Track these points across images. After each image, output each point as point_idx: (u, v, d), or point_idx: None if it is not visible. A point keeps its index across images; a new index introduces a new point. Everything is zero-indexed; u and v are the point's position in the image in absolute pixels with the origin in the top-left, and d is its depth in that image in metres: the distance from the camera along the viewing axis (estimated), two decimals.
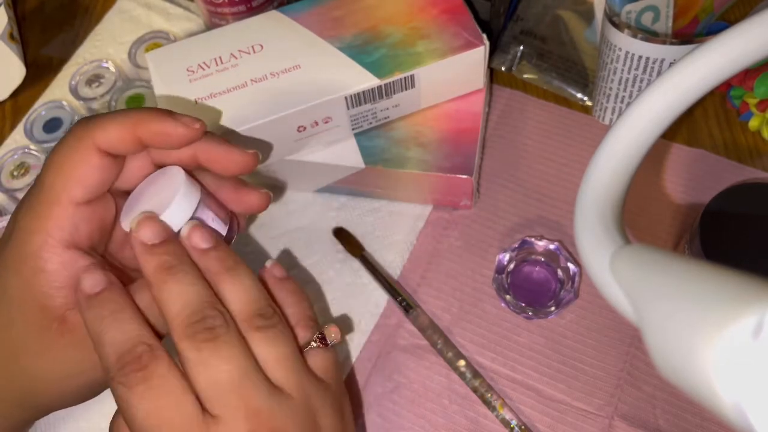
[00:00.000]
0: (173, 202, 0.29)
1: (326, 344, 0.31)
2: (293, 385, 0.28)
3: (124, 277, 0.31)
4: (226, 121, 0.38)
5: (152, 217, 0.29)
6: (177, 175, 0.30)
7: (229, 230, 0.33)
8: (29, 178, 0.45)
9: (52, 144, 0.46)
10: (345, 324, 0.41)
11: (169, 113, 0.30)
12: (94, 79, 0.48)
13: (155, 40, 0.50)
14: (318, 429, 0.29)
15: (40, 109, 0.48)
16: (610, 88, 0.43)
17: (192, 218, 0.30)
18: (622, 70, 0.41)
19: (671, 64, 0.29)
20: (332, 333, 0.32)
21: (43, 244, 0.29)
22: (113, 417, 0.29)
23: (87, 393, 0.32)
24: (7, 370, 0.30)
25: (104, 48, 0.53)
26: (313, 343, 0.31)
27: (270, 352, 0.28)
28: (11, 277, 0.30)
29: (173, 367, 0.27)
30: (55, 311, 0.29)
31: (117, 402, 0.27)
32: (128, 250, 0.33)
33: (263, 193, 0.33)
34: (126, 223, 0.30)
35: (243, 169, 0.31)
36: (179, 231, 0.30)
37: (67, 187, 0.29)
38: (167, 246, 0.29)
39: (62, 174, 0.29)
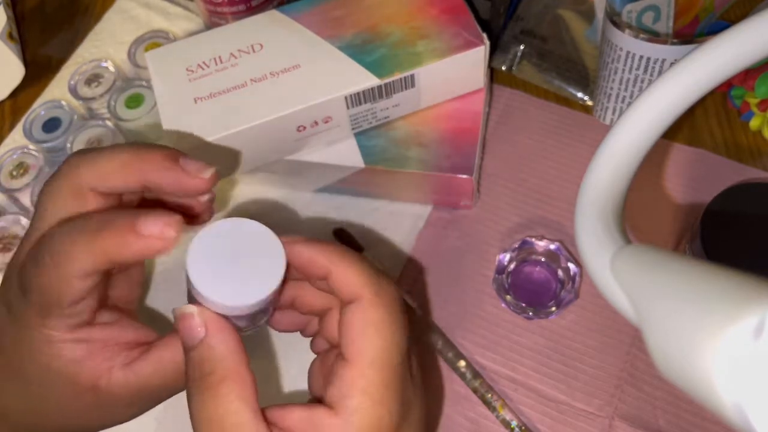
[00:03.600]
0: (265, 286, 0.26)
1: None
2: None
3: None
4: (226, 121, 0.38)
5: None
6: (273, 246, 0.27)
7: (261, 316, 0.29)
8: (28, 178, 0.45)
9: (51, 144, 0.46)
10: None
11: (174, 159, 0.28)
12: (93, 79, 0.48)
13: (155, 39, 0.50)
14: None
15: (39, 108, 0.48)
16: (611, 88, 0.43)
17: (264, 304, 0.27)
18: (623, 70, 0.41)
19: (672, 64, 0.29)
20: None
21: (48, 336, 0.28)
22: None
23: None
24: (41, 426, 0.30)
25: (104, 47, 0.53)
26: None
27: None
28: (28, 365, 0.28)
29: None
30: (85, 383, 0.28)
31: None
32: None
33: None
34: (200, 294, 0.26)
35: (195, 194, 0.29)
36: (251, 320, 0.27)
37: (71, 259, 0.26)
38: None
39: (66, 244, 0.27)
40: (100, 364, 0.29)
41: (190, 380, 0.27)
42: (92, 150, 0.29)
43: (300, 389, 0.40)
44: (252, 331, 0.29)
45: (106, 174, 0.28)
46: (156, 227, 0.26)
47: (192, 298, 0.27)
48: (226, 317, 0.27)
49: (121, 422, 0.31)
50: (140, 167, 0.28)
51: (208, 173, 0.28)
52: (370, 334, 0.27)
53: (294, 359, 0.41)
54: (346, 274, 0.28)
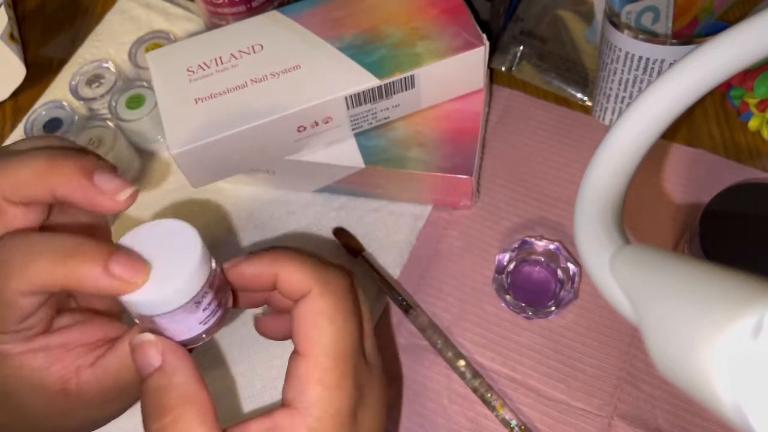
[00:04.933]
0: (183, 276, 0.25)
1: None
2: None
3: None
4: (226, 122, 0.38)
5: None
6: (191, 239, 0.26)
7: (218, 321, 0.28)
8: None
9: None
10: None
11: (89, 175, 0.26)
12: (94, 80, 0.48)
13: (155, 40, 0.50)
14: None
15: (41, 109, 0.48)
16: (610, 89, 0.43)
17: (191, 301, 0.26)
18: (622, 70, 0.41)
19: (671, 65, 0.29)
20: None
21: (2, 351, 0.26)
22: None
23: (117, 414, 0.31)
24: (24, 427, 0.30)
25: (104, 48, 0.53)
26: None
27: None
28: None
29: None
30: (53, 388, 0.27)
31: None
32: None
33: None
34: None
35: (108, 213, 0.28)
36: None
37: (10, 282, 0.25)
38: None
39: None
40: (66, 367, 0.27)
41: (147, 411, 0.26)
42: (7, 155, 0.27)
43: (264, 405, 0.40)
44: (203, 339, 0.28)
45: (17, 183, 0.26)
46: (126, 272, 0.25)
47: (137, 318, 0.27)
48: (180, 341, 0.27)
49: (107, 420, 0.30)
50: (52, 180, 0.26)
51: (123, 195, 0.27)
52: (322, 324, 0.27)
53: (257, 374, 0.41)
54: (292, 274, 0.28)
